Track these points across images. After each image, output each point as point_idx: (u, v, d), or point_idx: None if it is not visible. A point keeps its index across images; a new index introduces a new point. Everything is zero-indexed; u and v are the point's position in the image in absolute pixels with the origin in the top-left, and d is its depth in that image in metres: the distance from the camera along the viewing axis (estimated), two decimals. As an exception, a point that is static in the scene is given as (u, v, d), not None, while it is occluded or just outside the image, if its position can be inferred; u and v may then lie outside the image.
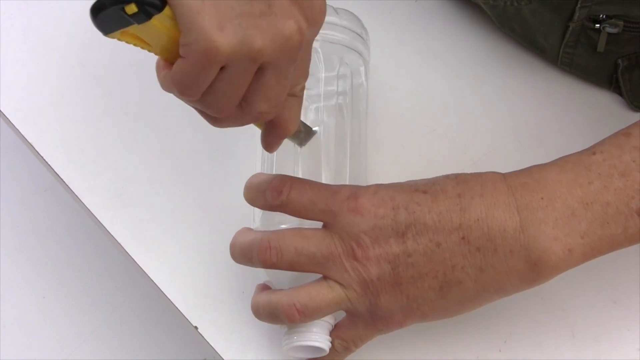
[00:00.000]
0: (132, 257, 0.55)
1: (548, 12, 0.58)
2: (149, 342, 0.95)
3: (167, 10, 0.35)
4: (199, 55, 0.36)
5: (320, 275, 0.45)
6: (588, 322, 0.51)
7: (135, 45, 0.37)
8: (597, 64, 0.59)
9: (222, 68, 0.37)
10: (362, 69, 0.55)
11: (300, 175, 0.49)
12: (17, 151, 1.05)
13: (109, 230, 0.56)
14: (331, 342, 0.47)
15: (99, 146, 0.60)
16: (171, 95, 0.65)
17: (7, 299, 0.98)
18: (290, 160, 0.50)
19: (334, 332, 0.47)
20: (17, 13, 0.67)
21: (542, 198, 0.43)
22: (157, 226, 0.56)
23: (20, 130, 0.61)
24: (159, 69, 0.39)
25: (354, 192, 0.45)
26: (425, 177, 0.47)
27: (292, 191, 0.45)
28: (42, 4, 0.67)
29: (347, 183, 0.51)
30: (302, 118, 0.50)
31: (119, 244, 0.55)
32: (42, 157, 0.60)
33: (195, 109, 0.41)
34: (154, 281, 0.54)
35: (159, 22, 0.36)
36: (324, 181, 0.48)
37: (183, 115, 0.61)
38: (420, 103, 0.61)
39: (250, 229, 0.48)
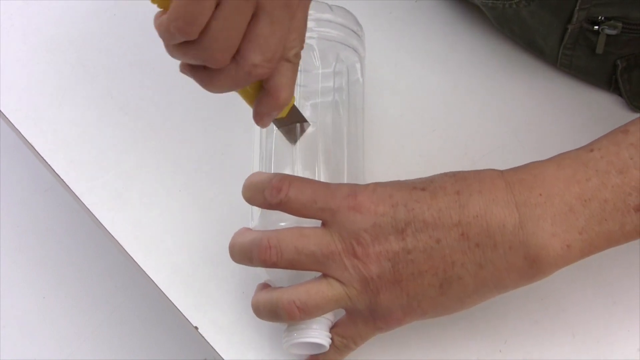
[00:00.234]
0: (132, 257, 0.55)
1: (547, 14, 0.58)
2: (149, 342, 0.95)
3: None
4: None
5: (320, 273, 0.45)
6: (588, 322, 0.51)
7: None
8: (596, 65, 0.59)
9: (217, 7, 0.37)
10: (357, 65, 0.55)
11: (298, 173, 0.49)
12: (17, 151, 1.05)
13: (109, 230, 0.56)
14: (331, 339, 0.47)
15: (99, 146, 0.60)
16: (171, 95, 0.65)
17: (7, 299, 0.98)
18: (288, 158, 0.50)
19: (334, 329, 0.47)
20: (17, 13, 0.67)
21: (540, 194, 0.44)
22: (157, 226, 0.56)
23: (20, 130, 0.61)
24: (156, 18, 0.39)
25: (353, 190, 0.45)
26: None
27: (291, 189, 0.45)
28: (42, 4, 0.67)
29: (345, 179, 0.51)
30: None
31: (119, 244, 0.55)
32: (42, 157, 0.60)
33: (190, 71, 0.41)
34: (154, 281, 0.54)
35: None
36: (321, 178, 0.48)
37: (183, 115, 0.61)
38: (419, 103, 0.61)
39: (249, 229, 0.48)
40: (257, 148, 0.52)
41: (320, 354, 0.48)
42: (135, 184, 0.58)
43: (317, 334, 0.46)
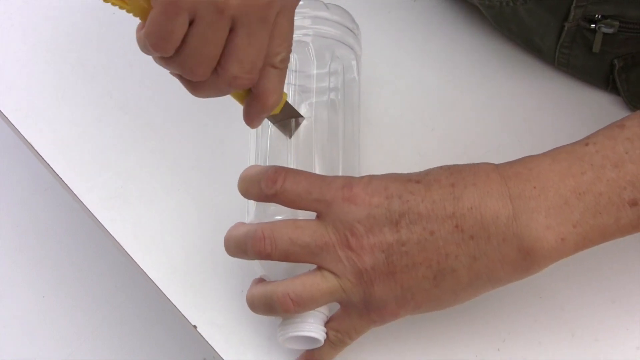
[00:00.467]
0: (132, 256, 0.55)
1: (544, 12, 0.58)
2: (149, 342, 0.95)
3: None
4: (165, 2, 0.37)
5: (315, 267, 0.46)
6: (587, 321, 0.51)
7: (114, 4, 0.39)
8: (593, 64, 0.59)
9: (192, 23, 0.38)
10: (354, 63, 0.56)
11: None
12: (17, 151, 1.05)
13: (109, 230, 0.56)
14: (326, 334, 0.47)
15: (98, 146, 0.60)
16: (171, 95, 0.65)
17: (7, 299, 0.98)
18: (284, 155, 0.51)
19: (329, 323, 0.47)
20: (17, 13, 0.67)
21: (534, 187, 0.44)
22: (156, 225, 0.56)
23: (20, 130, 0.61)
24: (137, 31, 0.40)
25: (348, 182, 0.46)
26: (422, 175, 0.47)
27: (287, 181, 0.45)
28: (42, 4, 0.68)
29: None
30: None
31: (119, 243, 0.56)
32: (42, 157, 0.60)
33: (176, 76, 0.42)
34: (154, 281, 0.54)
35: None
36: None
37: (182, 114, 0.61)
38: (419, 103, 0.61)
39: (243, 223, 0.48)
40: (253, 145, 0.53)
41: (315, 349, 0.48)
42: (135, 184, 0.58)
43: (312, 327, 0.46)
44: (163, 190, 0.58)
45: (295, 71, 0.53)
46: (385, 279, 0.44)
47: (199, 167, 0.59)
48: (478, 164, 0.46)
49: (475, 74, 0.62)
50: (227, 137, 0.60)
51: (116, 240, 0.56)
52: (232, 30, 0.40)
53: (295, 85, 0.52)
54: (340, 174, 0.51)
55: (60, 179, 0.59)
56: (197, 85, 0.42)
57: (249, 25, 0.39)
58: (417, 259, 0.44)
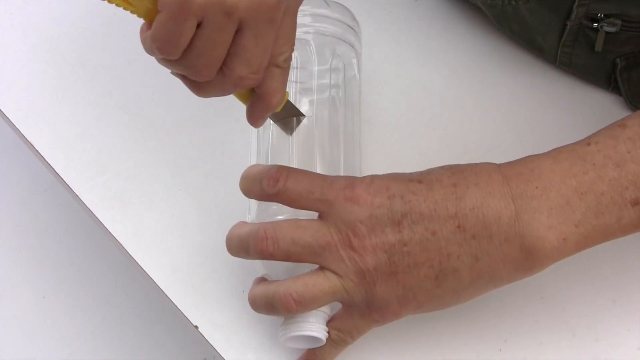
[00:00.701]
0: (132, 256, 0.55)
1: (545, 11, 0.58)
2: (149, 342, 0.95)
3: None
4: (174, 7, 0.37)
5: (317, 267, 0.45)
6: (588, 321, 0.51)
7: (118, 5, 0.38)
8: (595, 63, 0.59)
9: (199, 25, 0.38)
10: (354, 60, 0.56)
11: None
12: (17, 151, 1.05)
13: (109, 230, 0.56)
14: (328, 333, 0.47)
15: (99, 146, 0.60)
16: (171, 94, 0.65)
17: (7, 299, 0.98)
18: (285, 154, 0.51)
19: (331, 323, 0.47)
20: (17, 13, 0.67)
21: (536, 187, 0.44)
22: (157, 225, 0.56)
23: (20, 130, 0.61)
24: (142, 32, 0.40)
25: (351, 182, 0.46)
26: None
27: (289, 180, 0.45)
28: (42, 4, 0.68)
29: (342, 174, 0.51)
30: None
31: (119, 243, 0.56)
32: (42, 157, 0.60)
33: (179, 76, 0.42)
34: (154, 280, 0.54)
35: None
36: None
37: (183, 114, 0.61)
38: (420, 103, 0.61)
39: (245, 222, 0.48)
40: (254, 144, 0.53)
41: (317, 348, 0.48)
42: (135, 183, 0.58)
43: (314, 327, 0.46)
44: (164, 190, 0.58)
45: (297, 68, 0.53)
46: (388, 279, 0.44)
47: (199, 167, 0.59)
48: (480, 163, 0.46)
49: (476, 74, 0.62)
50: (228, 137, 0.60)
51: (117, 240, 0.56)
52: (239, 30, 0.39)
53: (296, 82, 0.53)
54: (341, 172, 0.51)
55: (61, 178, 0.59)
56: (201, 86, 0.42)
57: (256, 26, 0.39)
58: (419, 259, 0.44)
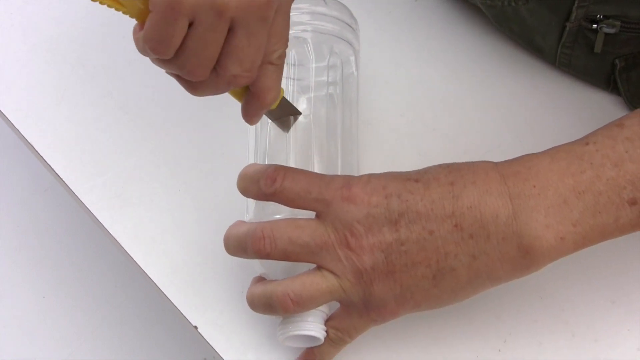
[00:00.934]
0: (132, 257, 0.55)
1: (545, 12, 0.58)
2: (149, 342, 0.95)
3: None
4: (164, 7, 0.37)
5: (314, 266, 0.46)
6: (587, 322, 0.51)
7: (109, 6, 0.39)
8: (594, 64, 0.59)
9: (191, 25, 0.38)
10: (352, 58, 0.56)
11: (292, 166, 0.49)
12: (17, 151, 1.05)
13: (109, 230, 0.56)
14: (326, 332, 0.47)
15: (98, 146, 0.60)
16: (171, 95, 0.65)
17: (7, 299, 0.98)
18: (283, 151, 0.51)
19: (329, 322, 0.47)
20: (17, 13, 0.67)
21: (534, 186, 0.44)
22: (157, 226, 0.56)
23: (20, 130, 0.61)
24: (135, 32, 0.40)
25: (347, 181, 0.46)
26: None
27: (286, 180, 0.45)
28: (42, 4, 0.68)
29: (340, 172, 0.51)
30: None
31: (119, 243, 0.56)
32: (42, 157, 0.60)
33: (174, 76, 0.42)
34: (154, 281, 0.54)
35: None
36: (316, 171, 0.48)
37: (183, 115, 0.61)
38: (419, 103, 0.61)
39: (243, 221, 0.48)
40: (252, 143, 0.53)
41: (315, 347, 0.48)
42: (135, 184, 0.58)
43: (312, 326, 0.46)
44: (163, 191, 0.58)
45: (294, 66, 0.53)
46: (385, 278, 0.44)
47: (199, 167, 0.59)
48: (477, 162, 0.46)
49: (476, 74, 0.62)
50: (227, 137, 0.60)
51: (116, 240, 0.56)
52: (231, 30, 0.39)
53: (294, 80, 0.53)
54: (339, 170, 0.51)
55: (61, 179, 0.59)
56: (195, 85, 0.42)
57: (248, 26, 0.39)
58: (416, 258, 0.44)
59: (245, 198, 0.49)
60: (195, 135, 0.60)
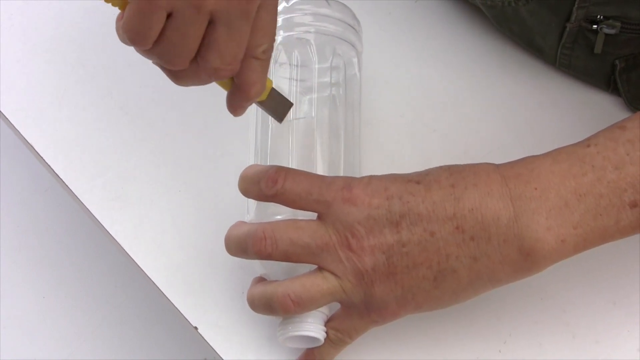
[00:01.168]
0: (132, 257, 0.55)
1: (546, 12, 0.58)
2: (149, 342, 0.95)
3: None
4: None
5: (315, 267, 0.45)
6: (588, 323, 0.51)
7: None
8: (594, 65, 0.59)
9: (169, 16, 0.38)
10: (355, 60, 0.56)
11: (294, 167, 0.49)
12: (17, 151, 1.05)
13: (109, 230, 0.56)
14: (326, 333, 0.47)
15: (98, 146, 0.60)
16: (171, 95, 0.65)
17: (7, 299, 0.98)
18: (285, 152, 0.50)
19: (329, 323, 0.47)
20: (17, 13, 0.67)
21: (535, 188, 0.44)
22: (157, 226, 0.56)
23: (20, 130, 0.61)
24: (117, 21, 0.40)
25: (348, 182, 0.46)
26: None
27: (287, 181, 0.45)
28: (42, 4, 0.67)
29: (342, 173, 0.51)
30: (296, 109, 0.50)
31: (119, 244, 0.56)
32: (42, 157, 0.60)
33: (157, 64, 0.42)
34: (154, 281, 0.54)
35: None
36: (318, 172, 0.48)
37: (182, 115, 0.61)
38: (420, 104, 0.61)
39: (244, 222, 0.48)
40: (252, 144, 0.53)
41: (316, 348, 0.48)
42: (135, 184, 0.58)
43: (312, 327, 0.46)
44: (163, 191, 0.58)
45: (297, 66, 0.53)
46: (386, 279, 0.44)
47: (199, 167, 0.59)
48: (478, 164, 0.46)
49: (476, 75, 0.62)
50: (228, 138, 0.60)
51: (116, 241, 0.56)
52: (211, 23, 0.39)
53: (297, 81, 0.53)
54: (341, 172, 0.51)
55: (61, 179, 0.59)
56: (177, 74, 0.42)
57: (228, 20, 0.39)
58: (417, 260, 0.44)
59: (245, 198, 0.49)
60: (196, 136, 0.60)
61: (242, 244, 0.46)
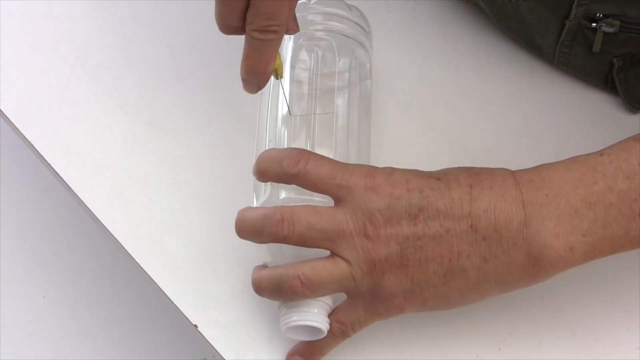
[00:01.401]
0: (132, 256, 0.55)
1: (545, 10, 0.58)
2: (149, 341, 0.95)
3: None
4: None
5: (327, 254, 0.45)
6: (587, 321, 0.51)
7: None
8: (592, 64, 0.59)
9: None
10: (368, 66, 0.56)
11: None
12: (17, 151, 1.05)
13: (109, 230, 0.56)
14: (329, 325, 0.47)
15: (98, 146, 0.60)
16: (171, 94, 0.65)
17: (7, 299, 0.98)
18: (302, 147, 0.50)
19: (332, 315, 0.47)
20: (18, 12, 0.67)
21: (546, 195, 0.44)
22: (157, 225, 0.56)
23: (20, 130, 0.61)
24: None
25: (371, 171, 0.46)
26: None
27: (310, 163, 0.46)
28: (42, 3, 0.68)
29: None
30: (316, 104, 0.51)
31: (119, 243, 0.56)
32: (42, 156, 0.60)
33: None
34: (154, 280, 0.54)
35: None
36: None
37: (183, 114, 0.61)
38: (420, 102, 0.61)
39: (257, 207, 0.48)
40: (264, 137, 0.52)
41: (316, 340, 0.48)
42: (135, 183, 0.58)
43: (319, 318, 0.46)
44: (164, 190, 0.58)
45: (318, 65, 0.53)
46: (397, 271, 0.44)
47: (199, 166, 0.59)
48: (495, 168, 0.46)
49: (476, 74, 0.62)
50: (228, 137, 0.60)
51: (117, 239, 0.56)
52: None
53: (317, 75, 0.53)
54: None
55: (61, 178, 0.59)
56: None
57: None
58: (430, 255, 0.44)
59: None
60: (196, 135, 0.60)
61: (257, 226, 0.46)
